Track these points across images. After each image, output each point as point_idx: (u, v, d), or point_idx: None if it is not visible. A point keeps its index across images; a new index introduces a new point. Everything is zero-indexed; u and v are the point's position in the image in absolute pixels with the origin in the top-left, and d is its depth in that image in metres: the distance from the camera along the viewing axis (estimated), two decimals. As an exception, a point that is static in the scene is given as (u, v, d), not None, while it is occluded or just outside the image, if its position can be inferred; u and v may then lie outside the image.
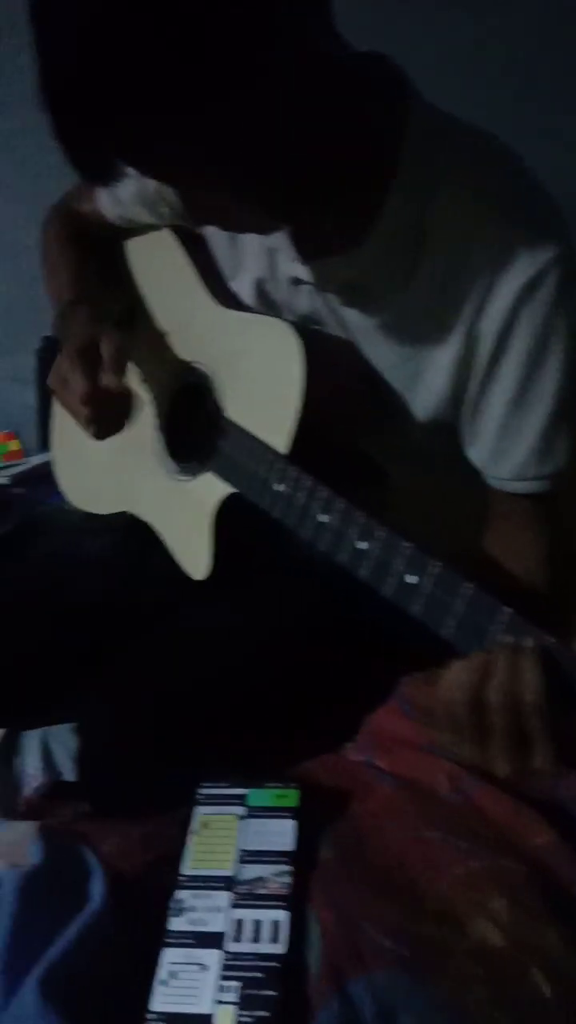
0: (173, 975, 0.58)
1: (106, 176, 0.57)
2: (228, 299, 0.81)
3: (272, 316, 0.76)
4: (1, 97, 1.29)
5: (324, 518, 0.65)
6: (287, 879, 0.63)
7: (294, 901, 0.61)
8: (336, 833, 0.67)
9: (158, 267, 0.90)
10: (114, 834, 0.70)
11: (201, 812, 0.69)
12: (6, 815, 0.77)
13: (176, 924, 0.61)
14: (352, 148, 0.62)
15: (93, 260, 0.93)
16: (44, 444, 1.39)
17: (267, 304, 0.79)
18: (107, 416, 0.80)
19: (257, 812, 0.68)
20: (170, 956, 0.59)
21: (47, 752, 0.87)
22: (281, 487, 0.69)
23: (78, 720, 0.82)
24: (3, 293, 1.63)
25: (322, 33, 0.56)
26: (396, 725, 0.76)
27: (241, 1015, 0.54)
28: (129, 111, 0.52)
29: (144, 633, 0.84)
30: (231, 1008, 0.55)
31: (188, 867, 0.65)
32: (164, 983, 0.57)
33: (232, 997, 0.56)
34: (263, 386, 0.73)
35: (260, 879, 0.63)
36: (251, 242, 0.76)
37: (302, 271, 0.71)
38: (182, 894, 0.63)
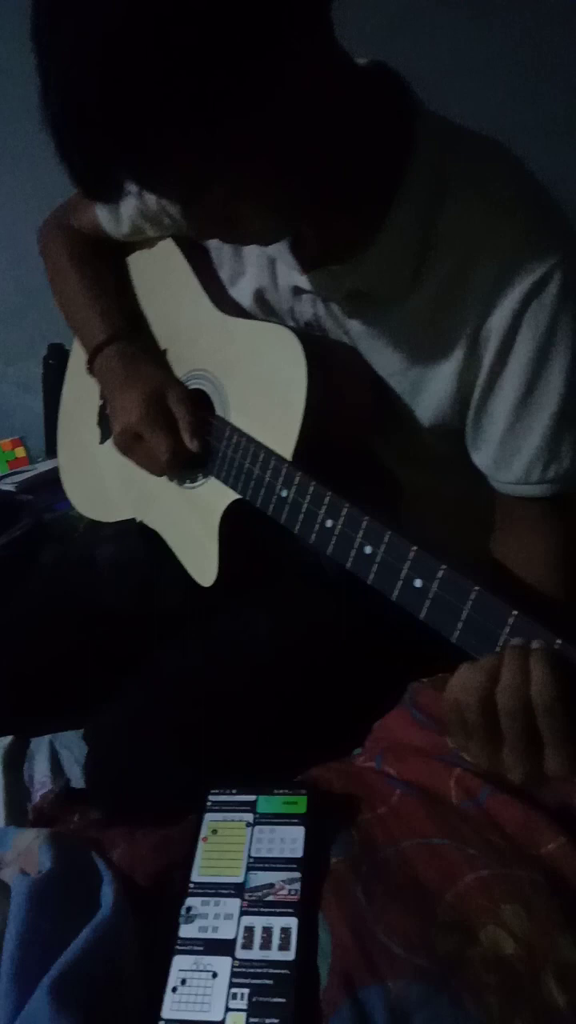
0: (183, 982, 0.58)
1: (112, 193, 0.57)
2: (231, 306, 0.81)
3: (275, 322, 0.77)
4: (4, 107, 1.30)
5: (329, 523, 0.65)
6: (297, 886, 0.62)
7: (304, 908, 0.61)
8: (346, 839, 0.67)
9: (161, 274, 0.91)
10: (124, 841, 0.70)
11: (210, 819, 0.69)
12: (16, 822, 0.77)
13: (186, 931, 0.61)
14: (359, 158, 0.63)
15: (111, 283, 0.93)
16: (50, 451, 1.40)
17: (268, 312, 0.79)
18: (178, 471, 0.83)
19: (266, 819, 0.68)
20: (180, 963, 0.59)
21: (56, 759, 0.88)
22: (286, 493, 0.69)
23: (91, 726, 0.82)
24: (9, 302, 1.64)
25: (328, 43, 0.56)
26: (405, 731, 0.76)
27: (251, 1022, 0.54)
28: (144, 135, 0.52)
29: (159, 641, 0.85)
30: (241, 1015, 0.55)
31: (198, 874, 0.65)
32: (174, 990, 0.57)
33: (242, 1004, 0.55)
34: (267, 392, 0.73)
35: (270, 886, 0.63)
36: (252, 251, 0.76)
37: (303, 280, 0.71)
38: (192, 901, 0.63)
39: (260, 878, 0.63)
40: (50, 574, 0.99)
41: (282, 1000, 0.55)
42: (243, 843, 0.66)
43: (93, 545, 0.99)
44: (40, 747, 0.90)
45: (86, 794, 0.80)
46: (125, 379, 0.84)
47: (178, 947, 0.60)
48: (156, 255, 0.91)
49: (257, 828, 0.68)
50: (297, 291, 0.73)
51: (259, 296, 0.78)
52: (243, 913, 0.61)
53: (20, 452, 1.69)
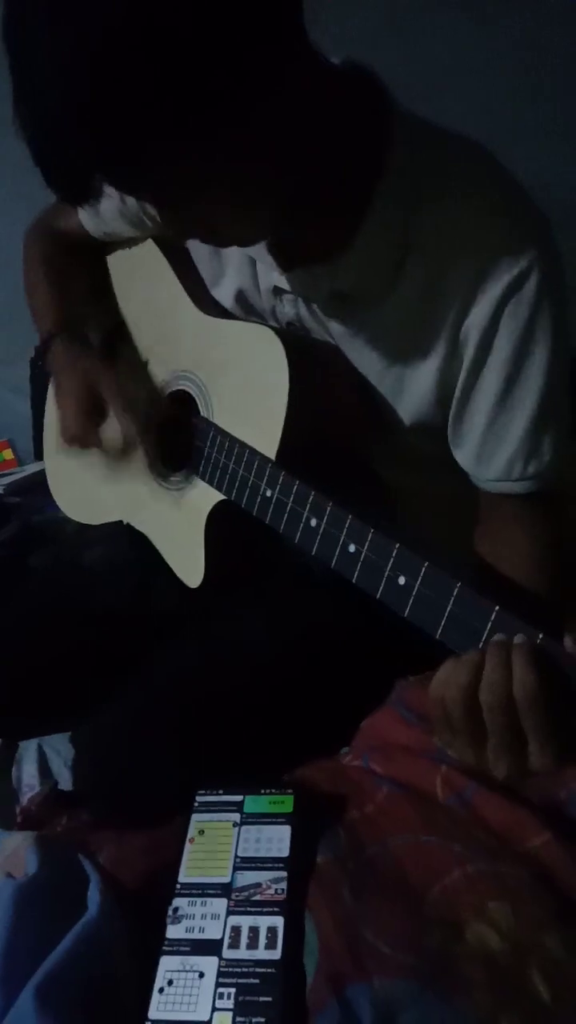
0: (170, 982, 0.57)
1: (86, 197, 0.57)
2: (213, 307, 0.81)
3: (256, 322, 0.77)
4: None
5: (314, 522, 0.65)
6: (283, 885, 0.62)
7: (291, 907, 0.61)
8: (333, 838, 0.67)
9: (142, 276, 0.91)
10: (111, 842, 0.70)
11: (197, 819, 0.69)
12: (3, 825, 0.77)
13: (173, 932, 0.61)
14: (338, 159, 0.63)
15: (75, 280, 0.93)
16: (39, 453, 1.39)
17: (249, 312, 0.79)
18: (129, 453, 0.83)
19: (253, 818, 0.68)
20: (167, 964, 0.59)
21: (44, 761, 0.88)
22: (270, 492, 0.69)
23: (88, 729, 0.82)
24: (-1, 304, 1.64)
25: (306, 46, 0.56)
26: (392, 729, 0.76)
27: (238, 1021, 0.54)
28: (130, 145, 0.51)
29: (155, 643, 0.85)
30: (228, 1015, 0.55)
31: (185, 875, 0.65)
32: (161, 991, 0.57)
33: (229, 1004, 0.55)
34: (250, 392, 0.74)
35: (256, 885, 0.63)
36: (232, 252, 0.76)
37: (283, 281, 0.71)
38: (179, 901, 0.63)
39: (247, 878, 0.63)
40: (43, 578, 0.99)
41: (269, 999, 0.55)
42: (230, 843, 0.66)
43: (82, 548, 0.99)
44: (28, 750, 0.90)
45: (74, 797, 0.80)
46: (63, 379, 0.85)
47: (165, 948, 0.60)
48: (138, 257, 0.91)
49: (244, 828, 0.67)
50: (278, 292, 0.73)
51: (240, 297, 0.78)
52: (230, 913, 0.61)
53: (8, 454, 1.68)
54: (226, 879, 0.64)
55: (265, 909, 0.61)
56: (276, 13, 0.51)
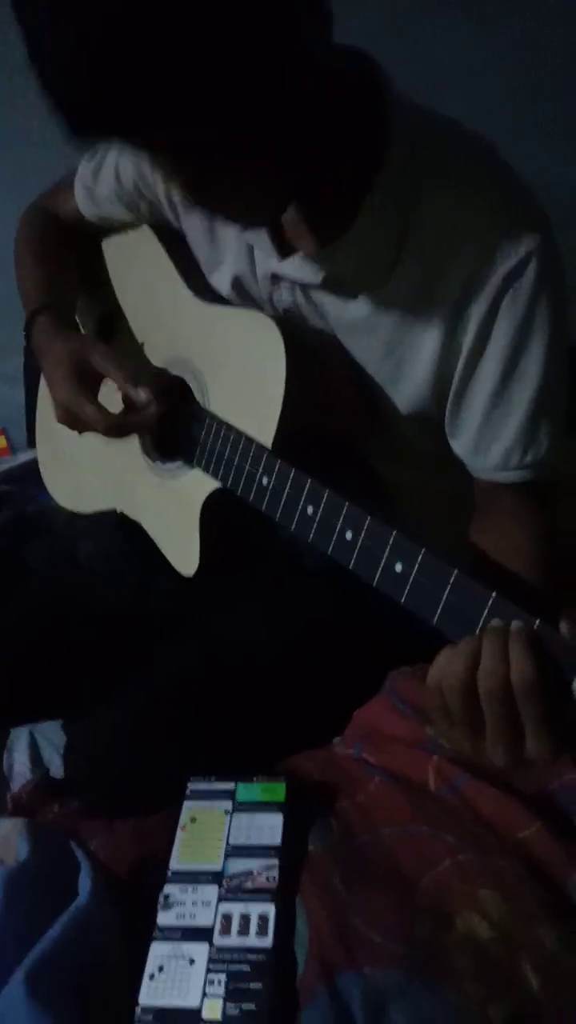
0: (161, 969, 0.57)
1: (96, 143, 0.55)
2: (209, 294, 0.81)
3: (253, 310, 0.76)
4: None
5: (310, 510, 0.65)
6: (275, 873, 0.62)
7: (282, 895, 0.61)
8: (324, 827, 0.67)
9: (138, 263, 0.90)
10: (102, 830, 0.70)
11: (189, 807, 0.69)
12: (-6, 812, 0.76)
13: (164, 919, 0.61)
14: (341, 142, 0.62)
15: (67, 261, 0.92)
16: (32, 441, 1.39)
17: (246, 299, 0.79)
18: (131, 431, 0.81)
19: (245, 806, 0.68)
20: (158, 950, 0.59)
21: (35, 749, 0.87)
22: (267, 480, 0.69)
23: (87, 725, 0.81)
24: (-8, 293, 1.63)
25: (327, 29, 0.55)
26: (385, 719, 0.76)
27: (228, 1008, 0.54)
28: (136, 124, 0.50)
29: (154, 640, 0.84)
30: (218, 1001, 0.55)
31: (176, 862, 0.65)
32: (152, 977, 0.57)
33: (219, 990, 0.55)
34: (247, 380, 0.73)
35: (248, 873, 0.63)
36: (230, 238, 0.76)
37: (281, 267, 0.71)
38: (170, 888, 0.63)
39: (238, 865, 0.63)
40: (42, 577, 0.98)
41: (259, 986, 0.55)
42: (222, 831, 0.66)
43: (76, 539, 0.98)
44: (19, 738, 0.89)
45: (65, 784, 0.80)
46: (50, 354, 0.83)
47: (156, 934, 0.60)
48: (133, 243, 0.91)
49: (236, 816, 0.67)
50: (275, 278, 0.73)
51: (237, 283, 0.77)
52: (221, 900, 0.61)
53: (1, 442, 1.67)
54: (217, 867, 0.64)
55: (256, 897, 0.61)
56: (275, 11, 0.50)
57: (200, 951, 0.58)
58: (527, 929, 0.57)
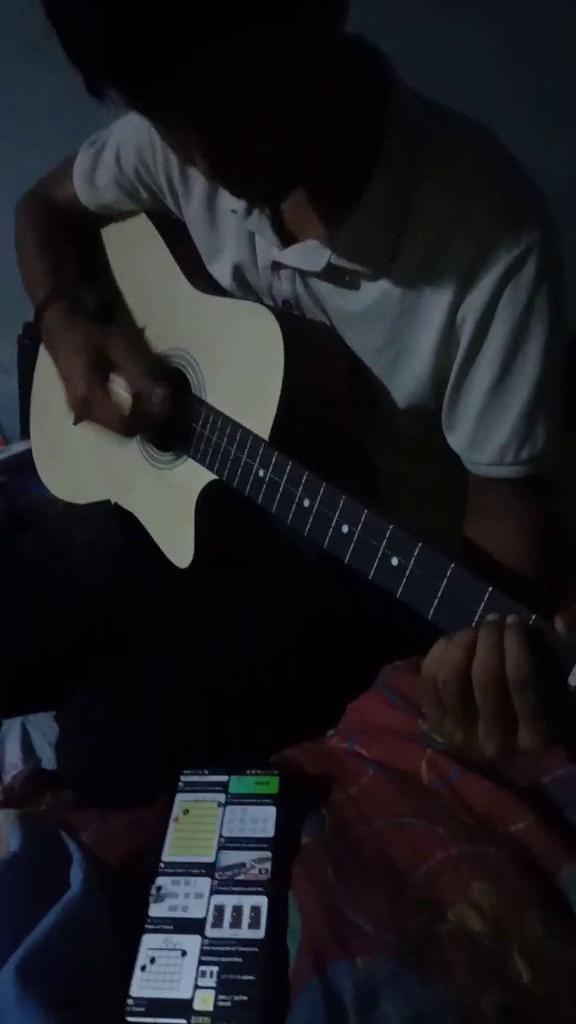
0: (152, 960, 0.57)
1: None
2: (207, 284, 0.80)
3: (251, 301, 0.76)
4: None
5: (307, 503, 0.65)
6: (267, 865, 0.62)
7: (275, 887, 0.61)
8: (317, 819, 0.67)
9: (136, 253, 0.90)
10: (94, 821, 0.70)
11: (182, 799, 0.69)
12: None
13: (156, 910, 0.61)
14: (345, 125, 0.62)
15: (69, 249, 0.91)
16: (25, 432, 1.38)
17: (246, 289, 0.78)
18: (144, 425, 0.79)
19: (238, 799, 0.68)
20: (149, 942, 0.59)
21: (27, 740, 0.87)
22: (263, 473, 0.68)
23: (69, 710, 0.81)
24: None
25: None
26: (378, 712, 0.76)
27: (220, 999, 0.54)
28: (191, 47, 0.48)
29: (138, 628, 0.84)
30: (210, 992, 0.55)
31: (169, 854, 0.65)
32: (143, 968, 0.57)
33: (211, 982, 0.55)
34: (244, 372, 0.73)
35: (241, 865, 0.63)
36: (230, 226, 0.75)
37: (282, 256, 0.70)
38: (162, 880, 0.63)
39: (231, 857, 0.63)
40: (27, 560, 0.98)
41: (251, 978, 0.55)
42: (214, 823, 0.66)
43: (68, 530, 0.98)
44: (12, 729, 0.89)
45: (57, 776, 0.80)
46: (65, 343, 0.81)
47: (148, 926, 0.60)
48: (131, 233, 0.90)
49: (229, 808, 0.67)
50: (276, 267, 0.72)
51: (238, 273, 0.77)
52: (213, 892, 0.61)
53: (-5, 433, 1.66)
54: (210, 859, 0.64)
55: (249, 889, 0.61)
56: None
57: (192, 943, 0.58)
58: (519, 921, 0.57)
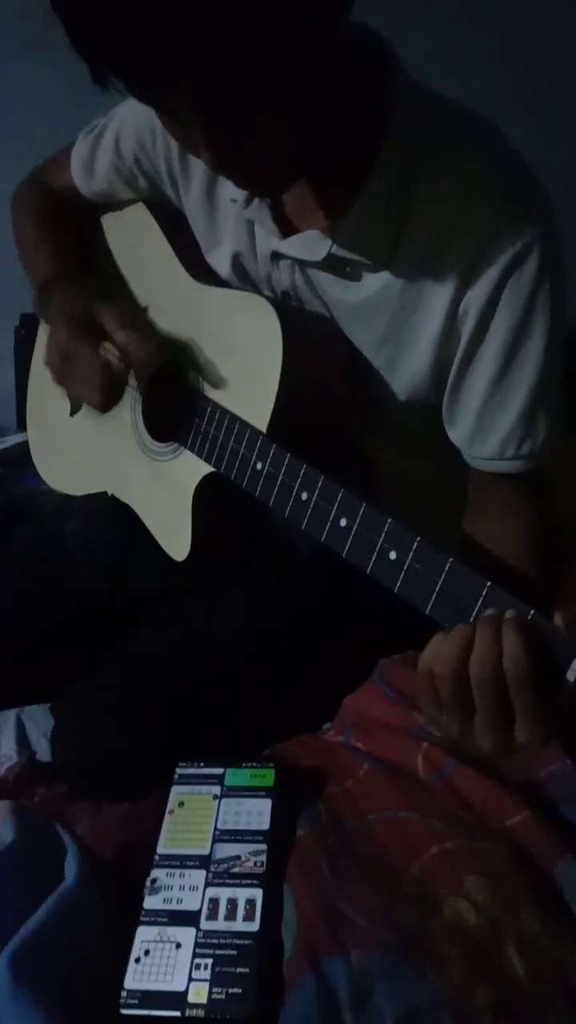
0: (147, 952, 0.57)
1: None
2: (205, 275, 0.80)
3: (250, 292, 0.75)
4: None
5: (305, 496, 0.64)
6: (263, 858, 0.62)
7: (270, 880, 0.61)
8: (313, 813, 0.67)
9: (134, 243, 0.89)
10: (89, 814, 0.70)
11: (177, 791, 0.69)
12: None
13: (151, 903, 0.61)
14: (347, 114, 0.61)
15: (70, 233, 0.91)
16: (21, 424, 1.37)
17: (244, 279, 0.78)
18: (118, 382, 0.77)
19: (234, 791, 0.68)
20: (144, 934, 0.58)
21: (22, 732, 0.87)
22: (261, 465, 0.68)
23: (63, 703, 0.81)
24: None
25: None
26: (374, 706, 0.76)
27: (214, 992, 0.54)
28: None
29: (133, 621, 0.84)
30: (204, 985, 0.55)
31: (164, 846, 0.65)
32: (138, 961, 0.57)
33: (205, 974, 0.55)
34: (242, 363, 0.72)
35: (236, 858, 0.63)
36: (230, 215, 0.75)
37: (282, 246, 0.70)
38: (157, 873, 0.63)
39: (226, 850, 0.63)
40: (23, 553, 0.97)
41: (245, 970, 0.55)
42: (210, 815, 0.66)
43: (64, 522, 0.98)
44: (6, 721, 0.89)
45: (52, 767, 0.79)
46: (60, 311, 0.80)
47: (142, 918, 0.60)
48: (129, 222, 0.89)
49: (224, 801, 0.67)
50: (275, 257, 0.72)
51: (236, 263, 0.76)
52: (208, 885, 0.61)
53: (-10, 425, 1.65)
54: (205, 851, 0.63)
55: (244, 881, 0.61)
56: None
57: (187, 935, 0.58)
58: (514, 916, 0.57)
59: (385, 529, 0.58)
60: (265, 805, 0.66)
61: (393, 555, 0.57)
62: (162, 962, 0.56)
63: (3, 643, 0.85)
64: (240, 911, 0.59)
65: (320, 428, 0.72)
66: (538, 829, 0.63)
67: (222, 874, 0.62)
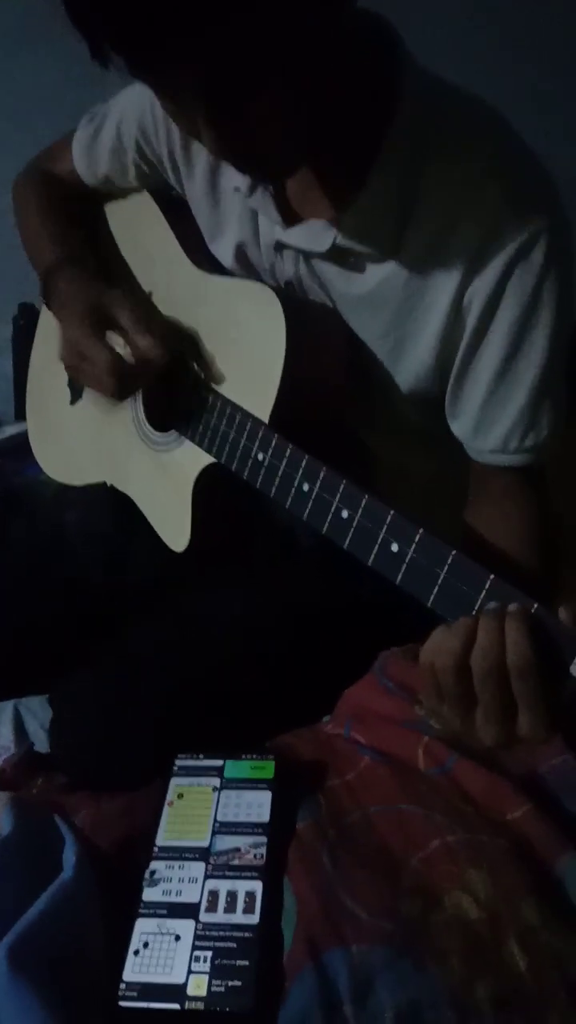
0: (146, 945, 0.57)
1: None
2: (209, 264, 0.79)
3: (254, 281, 0.75)
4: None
5: (306, 487, 0.64)
6: (262, 850, 0.62)
7: (270, 872, 0.61)
8: (313, 805, 0.66)
9: (138, 231, 0.88)
10: (88, 805, 0.70)
11: (176, 783, 0.69)
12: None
13: (150, 895, 0.60)
14: (353, 101, 0.61)
15: (73, 219, 0.90)
16: (20, 413, 1.37)
17: (248, 269, 0.77)
18: (133, 382, 0.77)
19: (233, 783, 0.68)
20: (143, 926, 0.58)
21: (20, 723, 0.86)
22: (262, 456, 0.68)
23: (61, 695, 0.80)
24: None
25: None
26: (374, 699, 0.76)
27: (214, 984, 0.54)
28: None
29: (131, 613, 0.83)
30: (204, 977, 0.54)
31: (163, 838, 0.64)
32: (136, 953, 0.56)
33: (205, 967, 0.55)
34: (245, 354, 0.72)
35: (235, 850, 0.62)
36: (233, 204, 0.74)
37: (285, 235, 0.69)
38: (156, 865, 0.62)
39: (226, 842, 0.63)
40: (21, 543, 0.97)
41: (245, 963, 0.55)
42: (209, 807, 0.66)
43: (62, 512, 0.97)
44: (4, 711, 0.88)
45: (50, 758, 0.79)
46: (72, 301, 0.79)
47: (141, 910, 0.59)
48: (132, 210, 0.88)
49: (224, 793, 0.67)
50: (279, 247, 0.71)
51: (240, 252, 0.76)
52: (208, 877, 0.61)
53: (-12, 415, 1.65)
54: (204, 843, 0.63)
55: (244, 874, 0.61)
56: None
57: (186, 927, 0.58)
58: (514, 909, 0.57)
59: (387, 521, 0.57)
60: (265, 797, 0.66)
61: (395, 547, 0.57)
62: (161, 954, 0.56)
63: (2, 633, 0.85)
64: (240, 903, 0.59)
65: (322, 420, 0.71)
66: (539, 823, 0.63)
67: (222, 866, 0.61)
